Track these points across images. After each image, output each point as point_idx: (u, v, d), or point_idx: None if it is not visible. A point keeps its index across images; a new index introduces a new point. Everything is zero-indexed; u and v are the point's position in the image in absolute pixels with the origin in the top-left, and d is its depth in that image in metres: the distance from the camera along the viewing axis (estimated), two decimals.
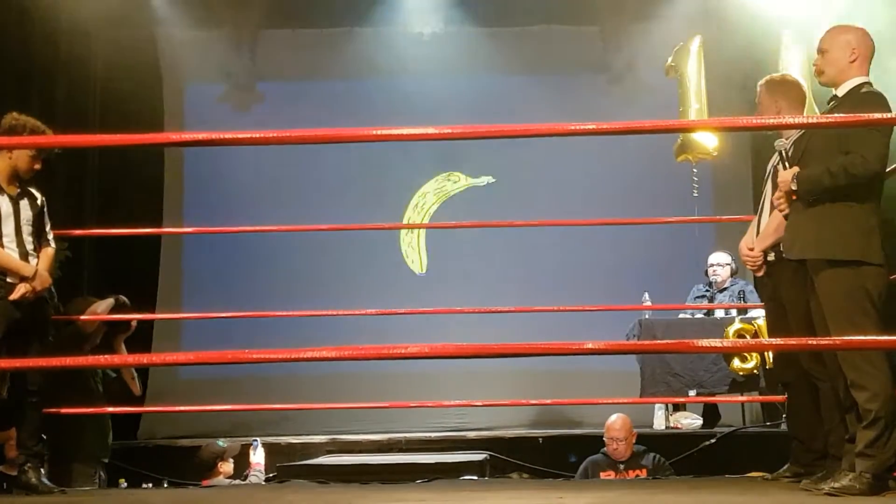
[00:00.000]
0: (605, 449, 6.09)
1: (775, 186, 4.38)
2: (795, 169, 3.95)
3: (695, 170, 8.37)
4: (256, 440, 6.36)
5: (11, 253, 4.59)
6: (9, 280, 4.56)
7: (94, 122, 9.34)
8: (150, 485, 6.36)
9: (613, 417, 6.12)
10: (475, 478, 5.55)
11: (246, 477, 6.18)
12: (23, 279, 4.57)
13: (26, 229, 4.67)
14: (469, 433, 7.41)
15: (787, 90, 4.46)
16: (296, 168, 9.58)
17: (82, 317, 5.67)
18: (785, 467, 4.45)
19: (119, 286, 7.20)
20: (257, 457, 6.25)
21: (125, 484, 6.30)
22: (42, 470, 4.73)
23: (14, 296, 4.54)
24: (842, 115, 3.82)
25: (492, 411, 8.35)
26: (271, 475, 6.10)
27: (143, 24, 9.42)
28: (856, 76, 3.95)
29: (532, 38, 9.81)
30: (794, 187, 3.90)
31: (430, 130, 3.42)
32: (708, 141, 7.99)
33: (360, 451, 6.63)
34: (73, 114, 8.96)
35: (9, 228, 4.60)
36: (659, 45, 9.06)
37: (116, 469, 6.38)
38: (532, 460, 6.49)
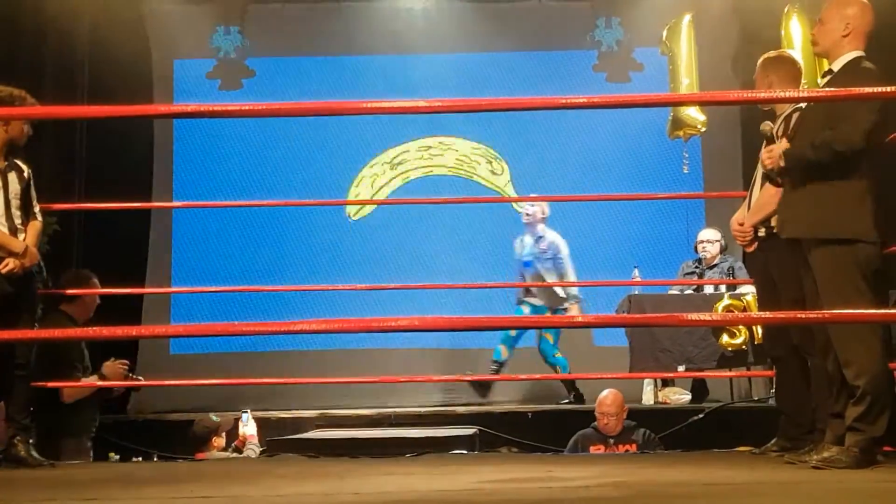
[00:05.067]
0: (595, 423, 6.10)
1: None
2: (785, 144, 3.95)
3: (686, 146, 8.39)
4: (246, 412, 6.36)
5: (1, 228, 4.57)
6: None
7: (83, 97, 9.28)
8: (140, 459, 6.36)
9: (605, 392, 6.14)
10: (465, 452, 5.56)
11: (241, 450, 6.17)
12: (11, 254, 4.55)
13: (14, 203, 4.64)
14: (458, 408, 7.43)
15: (780, 66, 4.45)
16: (285, 141, 9.56)
17: (73, 290, 5.69)
18: (772, 441, 4.47)
19: (108, 260, 7.22)
20: (250, 428, 6.25)
21: (117, 458, 6.30)
22: (31, 443, 4.72)
23: (3, 269, 4.52)
24: (831, 89, 3.82)
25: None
26: (262, 449, 6.11)
27: None
28: (851, 50, 3.93)
29: (523, 13, 9.79)
30: (782, 163, 3.90)
31: (421, 104, 3.42)
32: (697, 116, 8.02)
33: (350, 426, 6.62)
34: (62, 89, 8.89)
35: None
36: (650, 21, 9.08)
37: (106, 443, 6.38)
38: (521, 435, 6.51)
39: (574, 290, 7.62)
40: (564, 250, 7.73)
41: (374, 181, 9.76)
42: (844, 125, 3.72)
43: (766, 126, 4.29)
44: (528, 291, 7.73)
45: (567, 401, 7.43)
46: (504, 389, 8.39)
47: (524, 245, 7.84)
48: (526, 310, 7.62)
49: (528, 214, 7.81)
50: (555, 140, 9.43)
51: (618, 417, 6.05)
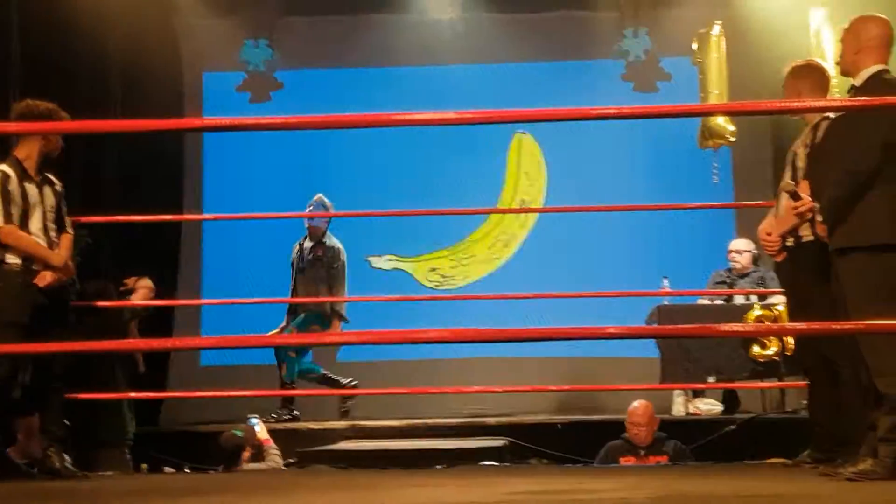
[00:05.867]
0: (625, 434, 6.08)
1: (794, 172, 4.39)
2: (806, 188, 4.01)
3: (715, 156, 8.35)
4: (255, 418, 6.38)
5: (39, 241, 4.63)
6: (34, 267, 4.60)
7: (115, 110, 9.38)
8: (172, 470, 6.40)
9: (636, 403, 6.11)
10: (494, 464, 5.55)
11: (264, 457, 6.18)
12: (49, 267, 4.61)
13: (49, 216, 4.72)
14: (488, 419, 7.41)
15: (808, 74, 4.46)
16: (315, 152, 9.59)
17: (137, 302, 5.76)
18: (805, 453, 4.44)
19: (139, 272, 7.27)
20: (263, 433, 6.26)
21: (147, 469, 6.35)
22: (65, 455, 4.76)
23: (41, 282, 4.59)
24: (860, 98, 3.83)
25: (511, 397, 8.35)
26: (291, 460, 6.12)
27: (162, 12, 9.45)
28: (871, 65, 3.95)
29: (550, 23, 9.78)
30: (819, 218, 3.94)
31: (450, 115, 3.43)
32: (726, 125, 7.99)
33: (380, 437, 6.63)
34: (94, 103, 8.99)
35: (36, 217, 4.65)
36: (678, 31, 9.06)
37: (138, 454, 6.43)
38: (551, 446, 6.49)
39: (341, 308, 7.50)
40: (342, 259, 7.62)
41: None
42: (851, 151, 3.77)
43: (789, 186, 4.31)
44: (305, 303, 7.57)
45: (288, 416, 7.27)
46: (534, 400, 8.37)
47: (302, 249, 7.75)
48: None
49: (310, 221, 7.64)
50: (585, 150, 9.40)
51: (648, 428, 6.02)
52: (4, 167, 4.63)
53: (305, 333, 7.38)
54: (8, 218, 4.55)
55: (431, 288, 9.48)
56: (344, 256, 7.62)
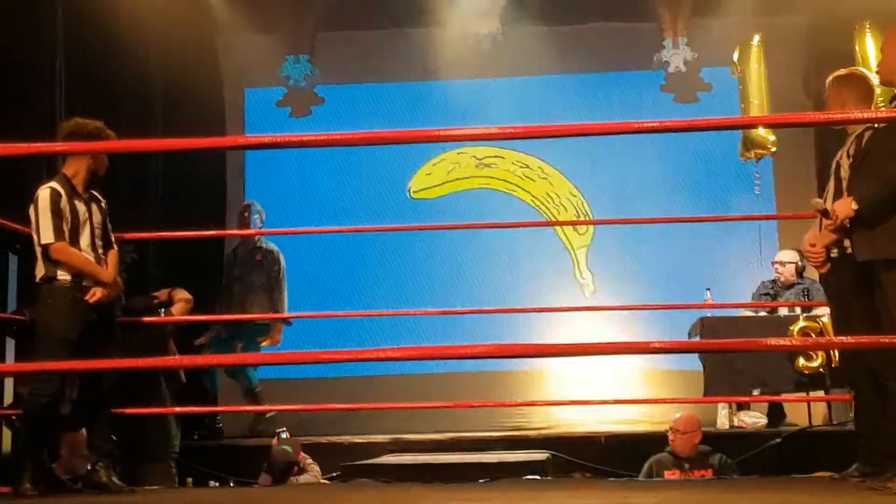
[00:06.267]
0: (669, 448, 6.04)
1: (838, 182, 4.36)
2: (849, 200, 3.97)
3: (756, 167, 8.30)
4: (283, 431, 6.41)
5: (88, 257, 4.70)
6: (84, 283, 4.66)
7: (157, 126, 9.50)
8: (217, 484, 6.44)
9: (680, 413, 6.09)
10: (538, 478, 5.54)
11: (305, 470, 6.20)
12: (98, 284, 4.68)
13: (97, 233, 4.79)
14: (530, 432, 7.39)
15: (852, 84, 4.43)
16: (356, 165, 9.63)
17: (179, 316, 5.82)
18: (853, 467, 4.39)
19: (183, 288, 7.33)
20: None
21: (192, 483, 6.39)
22: (112, 469, 4.81)
23: (91, 299, 4.65)
24: None
25: (553, 410, 8.33)
26: (335, 474, 6.14)
27: (203, 30, 9.57)
28: None
29: (589, 35, 9.76)
30: (854, 207, 3.90)
31: (493, 130, 3.44)
32: (767, 136, 7.95)
33: (423, 451, 6.64)
34: (138, 119, 9.13)
35: (85, 233, 4.71)
36: (718, 41, 9.02)
37: (183, 468, 6.47)
38: (594, 460, 6.46)
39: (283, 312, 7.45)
40: (281, 262, 7.58)
41: (452, 170, 9.71)
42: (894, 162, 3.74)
43: (818, 204, 4.28)
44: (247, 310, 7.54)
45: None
46: (576, 413, 8.35)
47: (237, 256, 7.68)
48: None
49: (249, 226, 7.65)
50: (625, 161, 9.37)
51: (687, 436, 5.97)
52: (54, 184, 4.70)
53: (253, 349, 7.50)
54: (59, 234, 4.61)
55: None
56: (282, 259, 7.60)
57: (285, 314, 7.56)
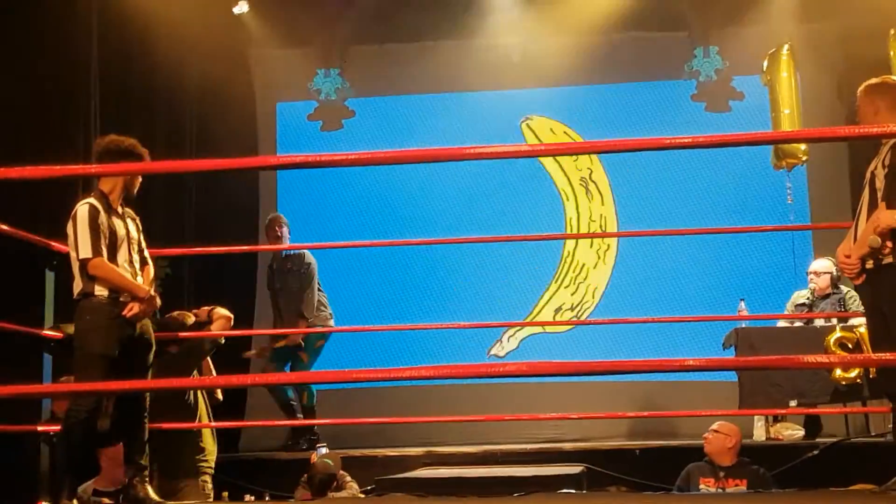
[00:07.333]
0: (707, 456, 6.00)
1: (873, 193, 4.32)
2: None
3: (789, 176, 8.25)
4: (322, 446, 6.43)
5: (125, 273, 4.74)
6: (121, 299, 4.71)
7: (191, 140, 9.60)
8: (252, 497, 6.46)
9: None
10: (573, 491, 5.51)
11: (343, 486, 6.20)
12: (136, 299, 4.72)
13: (134, 248, 4.83)
14: (565, 445, 7.37)
15: (885, 92, 4.40)
16: (389, 182, 9.65)
17: (215, 331, 5.86)
18: (893, 480, 4.34)
19: (217, 303, 7.38)
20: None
21: (227, 497, 6.42)
22: (150, 483, 4.84)
23: (128, 314, 4.69)
24: None
25: (587, 423, 8.31)
26: (370, 488, 6.15)
27: (235, 45, 9.66)
28: None
29: (620, 45, 9.72)
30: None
31: (524, 147, 3.45)
32: (799, 146, 7.89)
33: (457, 464, 6.63)
34: (172, 135, 9.24)
35: (123, 249, 4.76)
36: (749, 50, 8.98)
37: (218, 482, 6.50)
38: (629, 472, 6.42)
39: (307, 311, 7.44)
40: (309, 262, 7.57)
41: None
42: None
43: (875, 242, 4.22)
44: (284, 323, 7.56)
45: (306, 445, 7.14)
46: (611, 426, 8.31)
47: (273, 271, 7.73)
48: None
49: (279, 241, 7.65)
50: (657, 172, 9.34)
51: (720, 437, 5.91)
52: (92, 200, 4.74)
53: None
54: (97, 250, 4.65)
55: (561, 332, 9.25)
56: (313, 259, 7.63)
57: (317, 328, 7.53)
